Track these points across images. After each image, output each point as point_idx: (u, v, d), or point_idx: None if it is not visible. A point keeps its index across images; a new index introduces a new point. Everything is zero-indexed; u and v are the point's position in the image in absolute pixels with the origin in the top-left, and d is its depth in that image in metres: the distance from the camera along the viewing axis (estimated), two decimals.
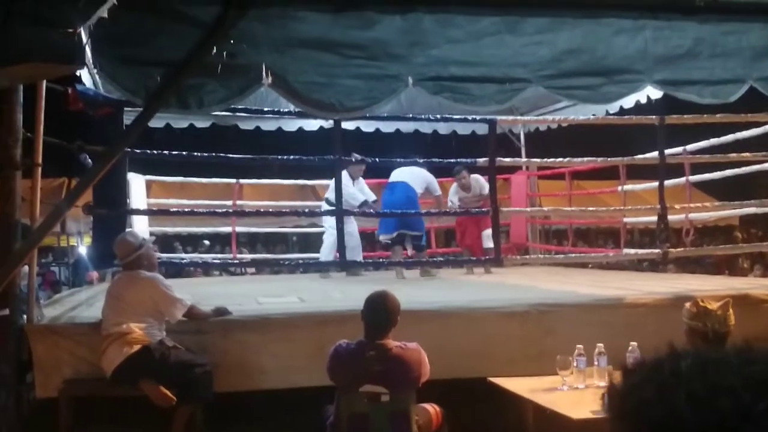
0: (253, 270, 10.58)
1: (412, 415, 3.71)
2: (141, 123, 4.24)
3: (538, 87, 4.76)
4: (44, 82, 4.48)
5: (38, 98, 4.47)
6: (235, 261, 7.35)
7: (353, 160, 5.91)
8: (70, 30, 3.49)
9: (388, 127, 9.26)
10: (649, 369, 0.51)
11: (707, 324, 3.35)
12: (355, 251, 7.47)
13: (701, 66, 4.96)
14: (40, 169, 4.49)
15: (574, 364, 3.82)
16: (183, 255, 10.72)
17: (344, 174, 7.60)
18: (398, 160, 6.26)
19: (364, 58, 4.46)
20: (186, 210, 6.53)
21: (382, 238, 7.71)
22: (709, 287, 5.64)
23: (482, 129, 7.74)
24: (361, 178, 7.97)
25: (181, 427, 4.00)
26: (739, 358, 0.50)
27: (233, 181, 8.54)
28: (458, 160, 6.13)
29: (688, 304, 3.44)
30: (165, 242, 12.75)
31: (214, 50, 3.92)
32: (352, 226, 7.58)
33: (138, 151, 5.40)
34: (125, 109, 5.09)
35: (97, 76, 4.60)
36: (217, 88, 4.18)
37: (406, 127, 9.32)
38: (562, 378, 3.79)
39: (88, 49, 3.75)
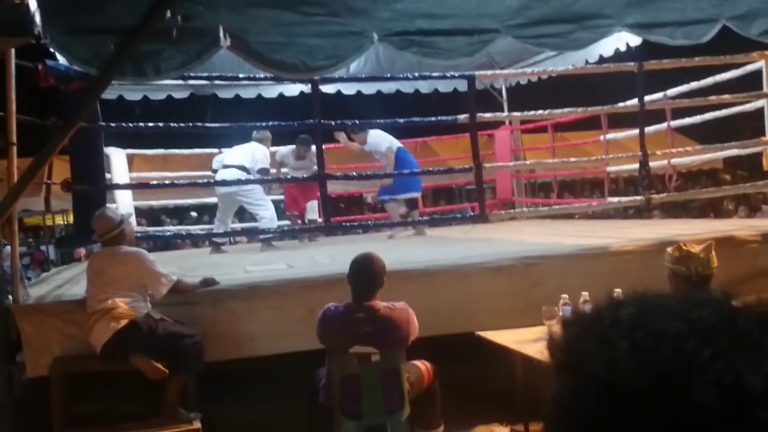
0: (244, 239, 10.56)
1: (402, 372, 3.75)
2: (95, 94, 4.14)
3: (507, 37, 4.67)
4: (12, 58, 4.39)
5: (8, 76, 4.38)
6: (220, 231, 7.29)
7: (332, 124, 5.84)
8: (17, 1, 3.39)
9: (369, 88, 9.19)
10: (588, 319, 0.48)
11: (691, 267, 3.37)
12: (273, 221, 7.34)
13: (672, 7, 4.89)
14: (15, 148, 4.42)
15: (560, 314, 3.85)
16: (170, 228, 10.67)
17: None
18: (379, 121, 6.20)
19: (326, 15, 4.34)
20: (166, 183, 6.45)
21: (411, 194, 7.61)
22: (693, 231, 5.66)
23: (464, 85, 7.68)
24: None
25: (174, 398, 4.02)
26: (684, 303, 0.47)
27: (216, 150, 8.46)
28: (439, 118, 6.08)
29: (670, 249, 3.46)
30: (152, 216, 12.71)
31: (169, 14, 3.78)
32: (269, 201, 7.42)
33: (113, 124, 5.31)
34: None
35: None
36: (173, 54, 4.07)
37: (388, 87, 9.25)
38: (548, 328, 3.83)
39: (37, 20, 3.64)
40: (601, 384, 0.43)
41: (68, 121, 3.93)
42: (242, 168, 7.12)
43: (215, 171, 7.48)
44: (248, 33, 4.22)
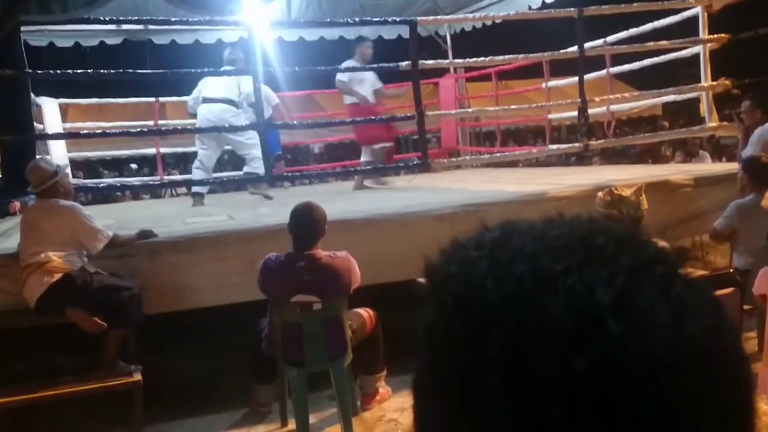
0: (184, 190, 10.37)
1: (344, 320, 3.78)
2: None
3: None
4: None
5: None
6: (158, 182, 7.11)
7: (271, 71, 5.70)
8: None
9: (311, 35, 9.02)
10: (458, 246, 0.50)
11: (622, 210, 3.45)
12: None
13: None
14: None
15: None
16: (107, 180, 10.40)
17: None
18: (320, 68, 6.09)
19: None
20: (98, 132, 6.22)
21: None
22: (629, 176, 5.78)
23: (407, 32, 7.59)
24: None
25: (113, 351, 3.98)
26: (546, 225, 0.49)
27: (153, 99, 8.20)
28: (380, 65, 6.00)
29: (601, 194, 3.53)
30: (89, 168, 12.34)
31: None
32: None
33: (40, 71, 5.06)
34: (22, 28, 4.75)
35: None
36: None
37: (331, 34, 9.10)
38: None
39: None
40: (461, 300, 0.45)
41: None
42: (230, 102, 6.24)
43: (193, 109, 6.66)
44: None
